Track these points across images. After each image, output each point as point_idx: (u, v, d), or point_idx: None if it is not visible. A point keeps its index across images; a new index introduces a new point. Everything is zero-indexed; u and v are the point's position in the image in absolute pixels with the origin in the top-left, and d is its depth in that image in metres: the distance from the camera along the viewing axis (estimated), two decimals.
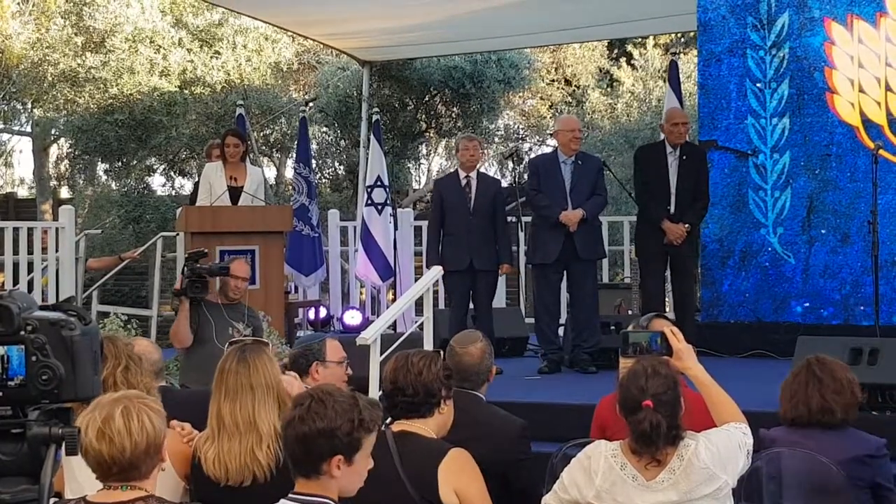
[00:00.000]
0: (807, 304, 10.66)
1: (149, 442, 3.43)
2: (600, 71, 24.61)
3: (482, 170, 10.47)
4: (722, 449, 4.11)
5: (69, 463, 4.07)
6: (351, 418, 3.41)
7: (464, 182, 9.94)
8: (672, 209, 9.86)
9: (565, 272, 9.89)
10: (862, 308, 10.36)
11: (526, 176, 10.41)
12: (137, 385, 4.66)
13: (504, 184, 12.30)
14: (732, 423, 4.25)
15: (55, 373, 2.50)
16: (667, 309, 10.66)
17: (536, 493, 5.07)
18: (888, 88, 10.40)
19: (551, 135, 10.38)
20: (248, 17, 15.32)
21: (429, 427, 4.40)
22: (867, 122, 10.46)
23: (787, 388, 5.08)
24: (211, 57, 19.98)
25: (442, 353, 4.74)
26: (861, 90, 10.50)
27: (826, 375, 5.01)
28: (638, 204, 10.32)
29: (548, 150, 10.17)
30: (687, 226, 9.80)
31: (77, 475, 4.18)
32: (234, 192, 10.32)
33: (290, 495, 3.44)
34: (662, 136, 10.21)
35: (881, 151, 9.63)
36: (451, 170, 12.97)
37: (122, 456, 3.41)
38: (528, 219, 10.79)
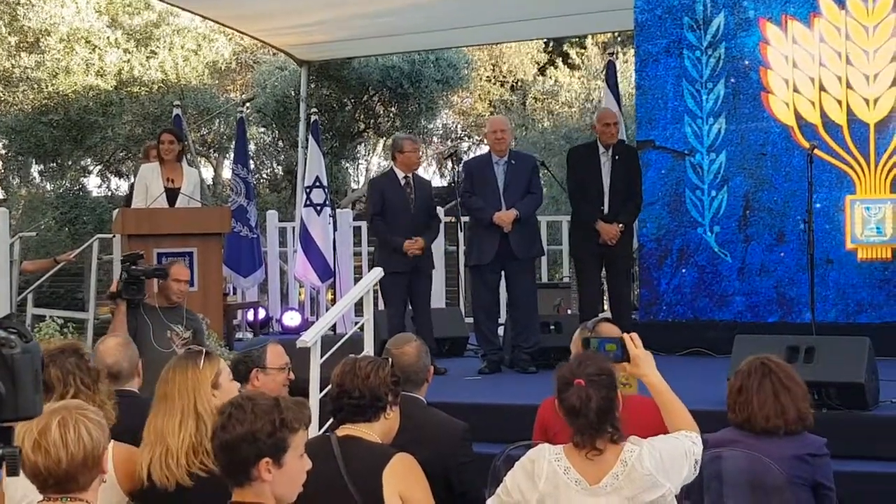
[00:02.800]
0: (743, 303, 10.76)
1: (86, 454, 3.38)
2: (539, 70, 24.68)
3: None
4: (665, 456, 4.12)
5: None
6: (272, 419, 3.38)
7: (403, 182, 9.92)
8: (605, 209, 9.89)
9: (503, 272, 9.91)
10: (797, 306, 10.47)
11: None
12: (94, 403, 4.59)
13: (444, 183, 12.29)
14: (683, 432, 4.27)
15: None
16: (603, 308, 10.72)
17: (479, 497, 5.07)
18: (822, 88, 10.52)
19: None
20: (185, 10, 15.18)
21: (374, 432, 4.39)
22: (802, 122, 10.57)
23: (749, 396, 5.05)
24: (147, 57, 19.84)
25: (390, 360, 4.73)
26: (796, 90, 10.61)
27: (792, 383, 5.04)
28: (571, 205, 10.35)
29: (486, 149, 10.22)
30: (621, 225, 9.84)
31: (9, 484, 4.14)
32: (171, 194, 10.24)
33: None
34: (595, 136, 10.25)
35: (816, 151, 9.74)
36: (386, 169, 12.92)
37: (57, 468, 3.36)
38: (467, 218, 10.83)
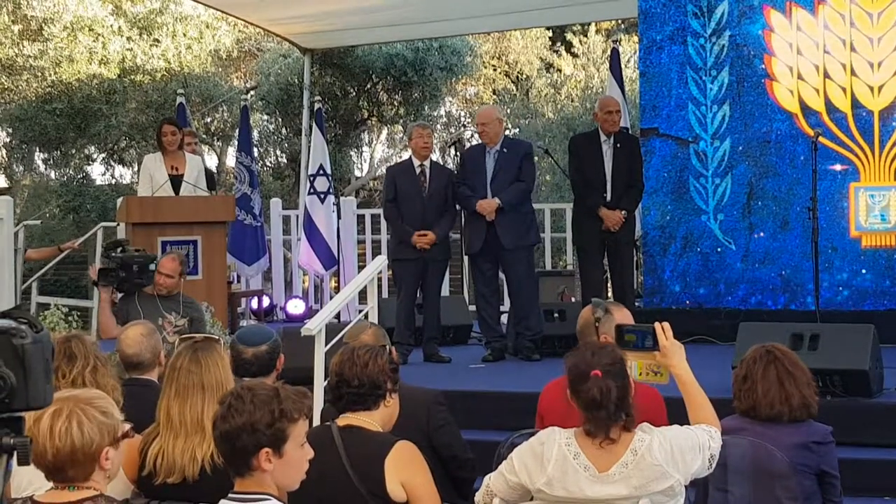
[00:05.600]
0: (747, 290, 10.76)
1: (73, 449, 3.37)
2: (542, 59, 24.64)
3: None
4: (675, 447, 4.11)
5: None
6: (271, 409, 3.38)
7: (418, 170, 9.91)
8: (608, 196, 9.90)
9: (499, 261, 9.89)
10: (801, 293, 10.47)
11: None
12: (105, 385, 4.64)
13: None
14: (703, 426, 4.27)
15: (6, 382, 2.47)
16: (607, 295, 10.71)
17: (468, 457, 5.21)
18: (826, 76, 10.50)
19: None
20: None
21: (374, 420, 4.39)
22: (806, 109, 10.56)
23: (754, 384, 5.02)
24: (150, 45, 19.83)
25: (388, 346, 4.74)
26: (800, 77, 10.60)
27: (797, 370, 5.04)
28: (574, 192, 10.36)
29: None
30: (624, 212, 9.86)
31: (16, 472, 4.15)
32: (175, 182, 10.26)
33: (229, 495, 3.41)
34: (597, 124, 10.24)
35: (820, 138, 9.72)
36: (401, 157, 12.98)
37: (43, 458, 3.37)
38: None
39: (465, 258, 12.06)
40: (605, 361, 4.15)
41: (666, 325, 4.44)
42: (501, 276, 10.19)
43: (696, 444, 4.16)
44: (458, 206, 10.03)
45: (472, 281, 10.12)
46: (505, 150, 9.77)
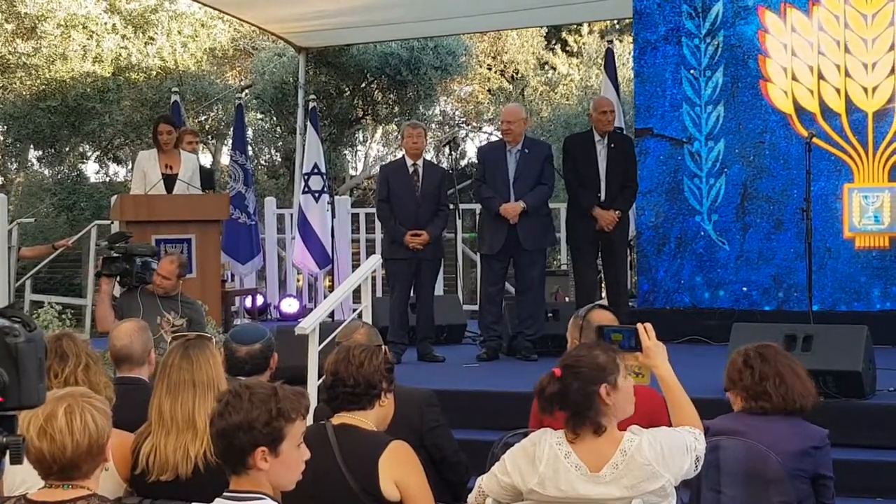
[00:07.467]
0: (741, 291, 10.77)
1: (91, 442, 3.39)
2: (538, 58, 24.64)
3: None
4: (666, 448, 4.11)
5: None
6: (269, 408, 3.38)
7: (411, 170, 9.89)
8: (602, 196, 9.89)
9: (512, 261, 9.86)
10: (795, 294, 10.48)
11: (463, 163, 10.42)
12: (98, 384, 4.65)
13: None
14: (687, 427, 4.27)
15: None
16: (601, 295, 10.73)
17: (459, 459, 5.23)
18: (820, 76, 10.52)
19: (488, 121, 10.48)
20: None
21: (369, 419, 4.40)
22: (800, 110, 10.58)
23: (781, 379, 4.99)
24: (145, 43, 19.82)
25: (383, 346, 4.75)
26: (794, 78, 10.61)
27: (798, 363, 5.05)
28: (568, 192, 10.34)
29: (484, 137, 10.28)
30: (618, 212, 9.85)
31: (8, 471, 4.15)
32: (169, 180, 10.25)
33: (224, 494, 3.41)
34: (591, 124, 10.24)
35: (814, 139, 9.74)
36: (395, 156, 12.97)
37: (62, 455, 3.37)
38: (466, 206, 10.78)
39: (460, 257, 12.08)
40: (569, 362, 4.16)
41: (648, 325, 4.43)
42: None
43: (684, 445, 4.16)
44: (454, 205, 9.98)
45: (480, 280, 10.07)
46: (527, 150, 9.71)
